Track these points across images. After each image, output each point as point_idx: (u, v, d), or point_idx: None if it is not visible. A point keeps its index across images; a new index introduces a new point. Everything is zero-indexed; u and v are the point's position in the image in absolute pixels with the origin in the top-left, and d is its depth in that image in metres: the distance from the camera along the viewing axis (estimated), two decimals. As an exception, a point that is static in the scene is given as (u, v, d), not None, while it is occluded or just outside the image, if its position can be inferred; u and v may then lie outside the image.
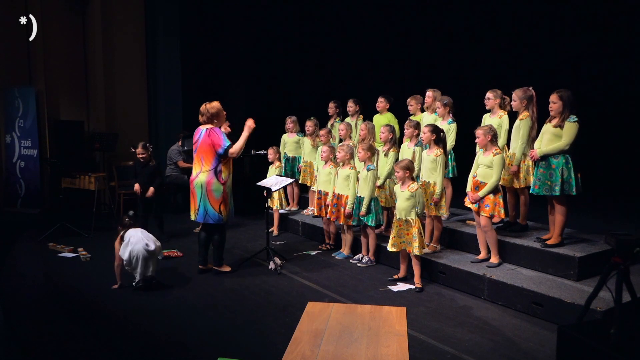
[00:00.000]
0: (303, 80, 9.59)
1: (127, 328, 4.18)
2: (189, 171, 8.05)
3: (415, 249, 4.83)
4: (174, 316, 4.36)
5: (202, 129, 5.23)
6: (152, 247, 4.85)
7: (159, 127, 9.43)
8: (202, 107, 5.26)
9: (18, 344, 3.93)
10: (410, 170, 4.91)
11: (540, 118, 4.90)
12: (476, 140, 4.88)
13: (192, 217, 5.34)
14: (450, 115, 5.72)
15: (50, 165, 8.23)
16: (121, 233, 5.00)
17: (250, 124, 5.28)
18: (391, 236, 5.00)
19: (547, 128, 4.64)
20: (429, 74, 8.50)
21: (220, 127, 5.29)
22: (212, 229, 5.35)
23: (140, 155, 6.47)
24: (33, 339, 4.02)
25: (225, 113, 5.35)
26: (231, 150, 5.14)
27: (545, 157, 4.60)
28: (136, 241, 4.83)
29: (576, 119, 4.50)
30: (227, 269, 5.46)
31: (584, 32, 7.65)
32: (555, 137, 4.56)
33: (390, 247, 5.00)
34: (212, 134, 5.15)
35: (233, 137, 5.37)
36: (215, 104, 5.27)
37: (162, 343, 3.90)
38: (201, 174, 5.18)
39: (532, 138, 4.92)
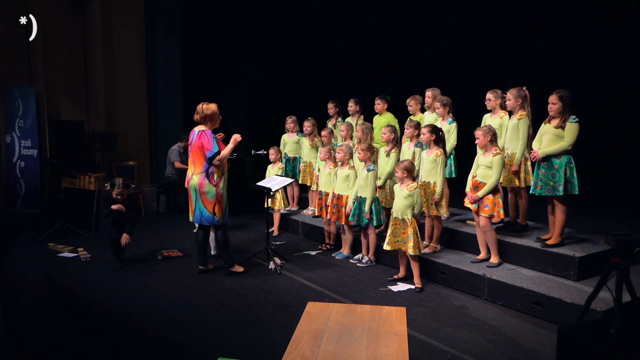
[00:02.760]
0: (303, 80, 9.59)
1: (127, 328, 4.18)
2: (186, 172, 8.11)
3: (410, 249, 4.83)
4: (174, 316, 4.36)
5: (195, 131, 5.22)
6: None
7: (159, 127, 9.43)
8: (199, 106, 5.23)
9: (18, 344, 3.93)
10: (409, 171, 4.92)
11: (535, 117, 4.90)
12: (476, 141, 4.88)
13: (190, 219, 5.35)
14: (450, 115, 5.72)
15: (50, 165, 8.23)
16: None
17: (236, 137, 5.21)
18: (387, 234, 5.03)
19: (547, 129, 4.64)
20: (429, 74, 8.49)
21: (212, 130, 5.26)
22: (208, 230, 5.35)
23: (117, 196, 5.56)
24: (33, 339, 4.02)
25: (221, 117, 5.33)
26: (217, 158, 5.10)
27: (547, 158, 4.61)
28: None
29: (577, 119, 4.52)
30: (240, 269, 5.44)
31: (584, 32, 7.64)
32: (556, 137, 4.57)
33: (385, 245, 5.02)
34: (203, 137, 5.13)
35: (225, 142, 5.36)
36: (213, 106, 5.24)
37: (162, 343, 3.90)
38: (194, 175, 5.18)
39: (529, 136, 4.93)
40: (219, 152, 5.12)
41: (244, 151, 8.42)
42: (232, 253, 5.47)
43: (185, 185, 5.33)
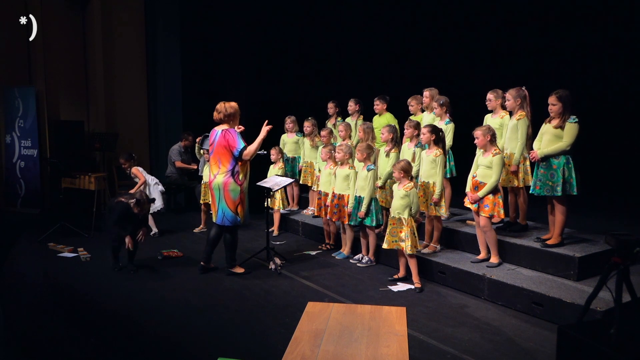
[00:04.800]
0: (303, 80, 9.59)
1: (127, 328, 4.18)
2: (187, 171, 8.11)
3: (407, 248, 4.84)
4: (174, 316, 4.36)
5: (218, 130, 5.20)
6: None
7: (159, 127, 9.43)
8: (220, 105, 5.21)
9: (18, 344, 3.93)
10: (406, 172, 4.92)
11: (535, 117, 4.90)
12: (475, 141, 4.87)
13: (214, 219, 5.35)
14: (447, 115, 5.72)
15: (50, 165, 8.23)
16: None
17: (266, 126, 5.22)
18: (385, 233, 5.05)
19: (547, 129, 4.64)
20: (429, 74, 8.49)
21: (234, 128, 5.27)
22: (223, 229, 5.35)
23: (140, 212, 5.40)
24: (33, 339, 4.02)
25: (239, 115, 5.32)
26: (245, 152, 5.10)
27: (545, 158, 4.60)
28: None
29: (576, 120, 4.51)
30: (240, 270, 5.43)
31: (584, 31, 7.65)
32: (555, 137, 4.56)
33: (383, 244, 5.05)
34: (227, 135, 5.13)
35: (245, 136, 5.34)
36: (234, 105, 5.23)
37: (162, 343, 3.90)
38: (218, 175, 5.16)
39: (528, 137, 4.93)
40: (245, 147, 5.11)
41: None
42: (235, 254, 5.45)
43: (208, 186, 5.29)
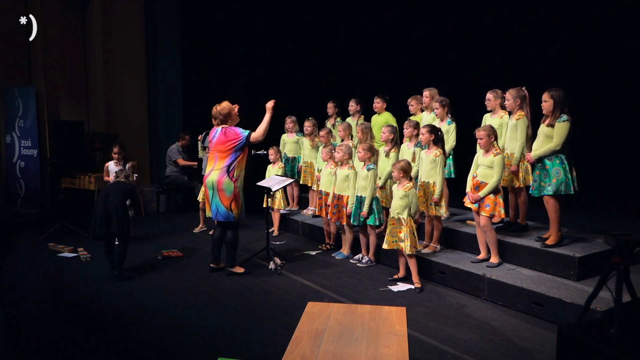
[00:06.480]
0: (303, 80, 9.60)
1: (127, 328, 4.18)
2: (189, 170, 8.11)
3: (407, 248, 4.84)
4: (174, 316, 4.36)
5: (217, 128, 5.24)
6: None
7: (159, 127, 9.43)
8: (214, 110, 5.25)
9: (18, 343, 3.93)
10: (405, 172, 4.93)
11: (535, 118, 4.91)
12: (479, 142, 4.85)
13: (207, 214, 5.41)
14: (449, 115, 5.72)
15: (50, 165, 8.23)
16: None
17: (269, 105, 5.19)
18: (385, 234, 5.06)
19: (542, 128, 4.65)
20: (429, 74, 8.50)
21: (234, 125, 5.27)
22: (225, 228, 5.36)
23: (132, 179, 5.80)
24: (33, 338, 4.02)
25: (236, 110, 5.33)
26: (254, 135, 5.12)
27: (540, 159, 4.60)
28: None
29: (567, 119, 4.49)
30: (240, 270, 5.43)
31: (584, 31, 7.65)
32: (547, 137, 4.57)
33: (383, 244, 5.06)
34: (228, 132, 5.16)
35: (242, 125, 5.35)
36: (225, 104, 5.25)
37: (161, 343, 3.90)
38: (213, 171, 5.19)
39: (528, 137, 4.93)
40: (252, 132, 5.12)
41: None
42: (236, 254, 5.45)
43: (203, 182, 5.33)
